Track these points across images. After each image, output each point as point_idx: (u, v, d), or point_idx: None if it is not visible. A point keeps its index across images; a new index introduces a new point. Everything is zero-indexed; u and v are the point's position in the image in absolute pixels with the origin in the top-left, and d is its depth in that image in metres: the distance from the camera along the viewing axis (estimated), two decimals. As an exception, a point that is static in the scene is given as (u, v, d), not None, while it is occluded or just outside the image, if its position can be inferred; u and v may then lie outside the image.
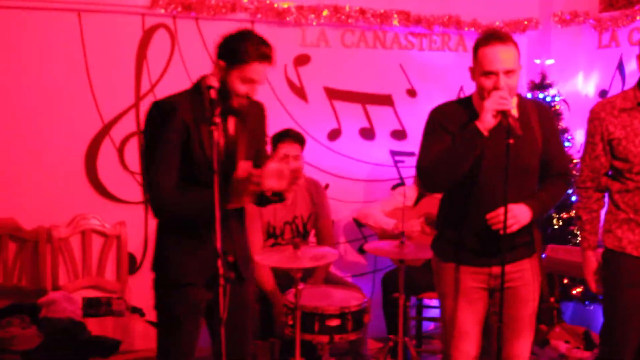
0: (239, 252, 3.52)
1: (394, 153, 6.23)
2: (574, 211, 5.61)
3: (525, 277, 3.71)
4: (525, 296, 3.73)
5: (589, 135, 3.93)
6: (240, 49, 3.30)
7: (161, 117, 3.36)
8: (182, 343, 3.50)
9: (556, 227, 5.61)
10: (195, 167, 3.35)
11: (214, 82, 3.25)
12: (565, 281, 5.57)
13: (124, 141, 5.37)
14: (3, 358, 3.89)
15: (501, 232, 3.42)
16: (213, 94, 3.20)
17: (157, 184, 3.33)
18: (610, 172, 3.92)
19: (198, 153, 3.33)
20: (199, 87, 3.38)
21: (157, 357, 3.56)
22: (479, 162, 3.54)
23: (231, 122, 3.46)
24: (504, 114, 3.38)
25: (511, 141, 3.33)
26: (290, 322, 4.39)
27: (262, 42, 3.35)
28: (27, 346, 3.98)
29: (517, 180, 3.49)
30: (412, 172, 5.99)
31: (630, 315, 3.85)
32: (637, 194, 3.80)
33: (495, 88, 3.45)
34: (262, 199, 3.49)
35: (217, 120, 3.11)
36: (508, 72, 3.46)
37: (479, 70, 3.53)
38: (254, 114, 3.60)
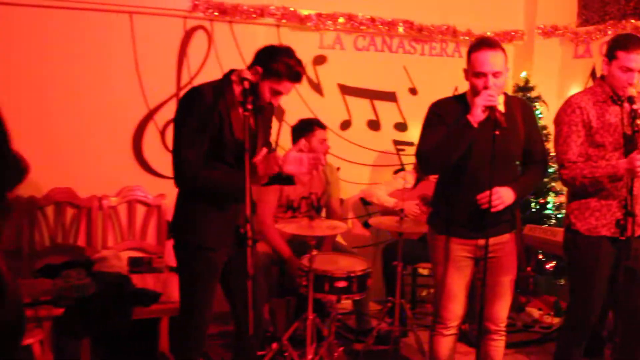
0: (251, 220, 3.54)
1: (396, 142, 6.26)
2: (549, 196, 5.70)
3: (506, 249, 3.75)
4: (506, 265, 3.77)
5: (572, 124, 3.81)
6: (279, 66, 3.31)
7: (190, 101, 3.38)
8: (203, 301, 3.50)
9: (534, 210, 5.66)
10: (224, 148, 3.35)
11: (249, 76, 3.26)
12: (540, 257, 5.60)
13: (166, 125, 5.40)
14: (62, 303, 3.95)
15: (488, 210, 3.48)
16: (247, 84, 3.21)
17: (181, 158, 3.31)
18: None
19: (227, 135, 3.34)
20: (228, 78, 3.39)
21: (181, 314, 3.60)
22: (469, 150, 3.57)
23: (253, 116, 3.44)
24: (491, 109, 3.42)
25: (497, 132, 3.37)
26: (304, 283, 4.41)
27: (299, 64, 3.36)
28: (83, 294, 4.03)
29: (502, 166, 3.50)
30: (412, 159, 6.02)
31: (595, 288, 3.86)
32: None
33: (485, 87, 3.48)
34: (274, 180, 3.50)
35: (250, 107, 3.16)
36: (496, 74, 3.49)
37: (471, 72, 3.57)
38: (267, 111, 3.64)
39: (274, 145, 3.66)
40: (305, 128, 5.08)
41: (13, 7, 4.87)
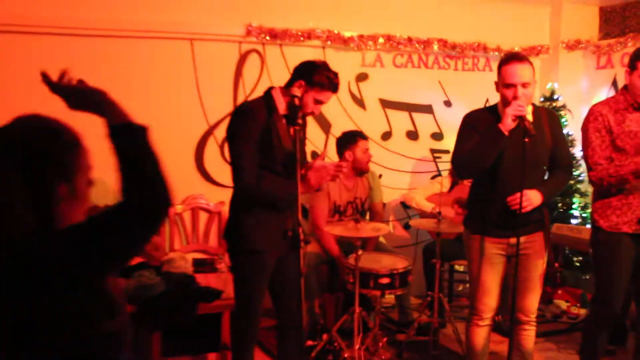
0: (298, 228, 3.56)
1: (433, 151, 6.24)
2: (575, 197, 5.62)
3: (535, 247, 3.74)
4: (535, 261, 3.75)
5: (596, 130, 3.76)
6: (321, 78, 3.36)
7: (243, 116, 3.40)
8: (254, 299, 3.51)
9: (561, 210, 5.60)
10: (273, 158, 3.37)
11: (298, 93, 3.31)
12: (567, 253, 5.55)
13: (224, 140, 5.36)
14: (135, 301, 4.00)
15: (518, 211, 3.47)
16: (297, 101, 3.28)
17: (241, 168, 3.34)
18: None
19: (277, 146, 3.37)
20: (270, 95, 3.43)
21: (236, 309, 3.62)
22: (501, 156, 3.57)
23: (292, 128, 3.44)
24: (521, 118, 3.42)
25: (527, 140, 3.38)
26: (351, 280, 4.43)
27: (336, 76, 3.42)
28: (153, 293, 4.09)
29: (531, 170, 3.50)
30: (447, 166, 6.03)
31: (618, 281, 3.84)
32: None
33: (515, 97, 3.48)
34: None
35: (300, 121, 3.21)
36: (524, 85, 3.49)
37: (501, 83, 3.56)
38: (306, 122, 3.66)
39: (323, 155, 3.67)
40: (349, 140, 5.11)
41: (93, 38, 5.00)
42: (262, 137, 3.36)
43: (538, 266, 3.78)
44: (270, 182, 3.39)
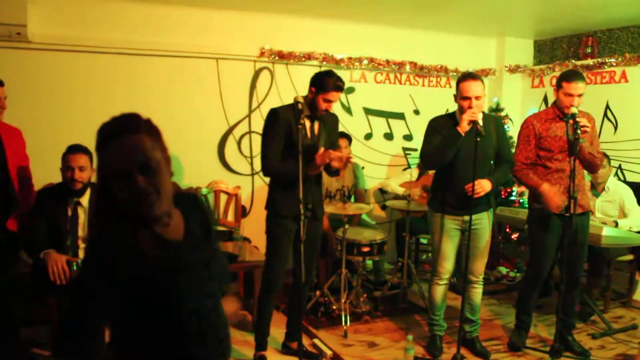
0: (316, 201, 3.59)
1: (404, 149, 6.20)
2: (514, 187, 5.61)
3: (483, 223, 3.74)
4: (483, 234, 3.76)
5: (525, 135, 3.87)
6: (326, 81, 3.38)
7: (269, 118, 3.49)
8: (280, 254, 3.57)
9: (503, 197, 5.58)
10: (294, 149, 3.37)
11: (300, 100, 3.36)
12: (508, 230, 5.53)
13: (241, 137, 5.44)
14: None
15: (472, 195, 3.49)
16: (300, 106, 3.32)
17: (266, 157, 3.44)
18: (537, 160, 3.86)
19: (296, 142, 3.37)
20: (299, 103, 3.45)
21: (265, 262, 3.63)
22: (458, 152, 3.57)
23: (316, 125, 3.54)
24: (474, 122, 3.42)
25: (478, 139, 3.39)
26: (339, 248, 4.45)
27: (339, 79, 3.45)
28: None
29: (481, 164, 3.52)
30: (416, 160, 6.00)
31: (546, 251, 3.87)
32: (554, 172, 3.79)
33: (469, 107, 3.49)
34: (329, 172, 3.63)
35: (302, 122, 3.23)
36: (477, 97, 3.50)
37: (459, 96, 3.56)
38: (331, 121, 3.67)
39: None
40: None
41: (138, 57, 4.96)
42: (287, 133, 3.43)
43: (485, 238, 3.78)
44: (286, 165, 3.43)
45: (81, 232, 3.52)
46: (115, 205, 1.47)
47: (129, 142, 1.45)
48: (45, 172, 3.91)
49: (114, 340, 1.56)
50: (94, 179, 3.62)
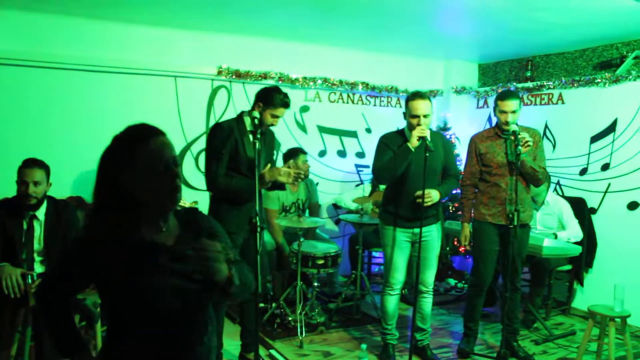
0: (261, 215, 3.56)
1: (357, 165, 6.27)
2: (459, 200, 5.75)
3: (432, 235, 3.82)
4: (433, 246, 3.84)
5: (469, 152, 4.08)
6: (274, 97, 3.40)
7: (213, 133, 3.45)
8: None
9: (451, 210, 5.71)
10: (238, 163, 3.39)
11: (257, 115, 3.34)
12: (455, 242, 5.65)
13: (199, 153, 5.40)
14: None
15: (421, 205, 3.56)
16: (257, 121, 3.30)
17: (209, 171, 3.41)
18: (479, 176, 4.03)
19: (242, 155, 3.41)
20: (241, 117, 3.46)
21: None
22: (409, 166, 3.65)
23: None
24: (424, 138, 3.51)
25: (427, 154, 3.48)
26: (295, 261, 4.47)
27: (286, 96, 3.47)
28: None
29: (429, 177, 3.60)
30: (369, 176, 6.07)
31: (487, 258, 3.99)
32: (493, 186, 3.94)
33: (418, 124, 3.58)
34: (273, 187, 3.60)
35: (258, 136, 3.23)
36: (425, 116, 3.60)
37: (409, 114, 3.65)
38: (269, 136, 3.67)
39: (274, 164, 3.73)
40: (292, 153, 5.14)
41: (97, 74, 4.88)
42: (230, 148, 3.39)
43: (435, 249, 3.86)
44: (234, 182, 3.41)
45: (37, 245, 3.43)
46: (124, 204, 1.55)
47: (162, 140, 1.63)
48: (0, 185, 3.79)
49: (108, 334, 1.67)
50: (50, 193, 3.55)
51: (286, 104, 3.45)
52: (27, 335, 3.38)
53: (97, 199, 1.58)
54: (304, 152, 5.20)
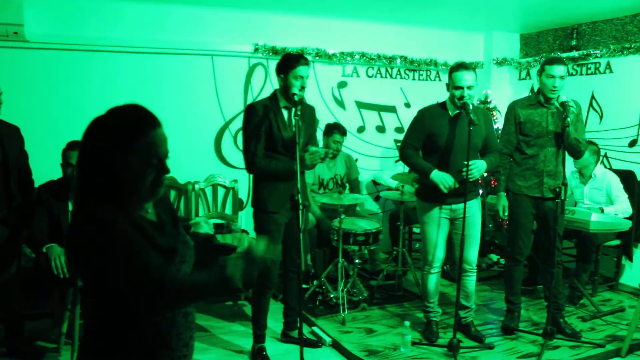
0: (303, 193, 3.50)
1: (396, 141, 6.16)
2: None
3: (472, 211, 3.70)
4: (473, 222, 3.74)
5: (507, 119, 3.95)
6: (289, 60, 3.32)
7: (248, 114, 3.39)
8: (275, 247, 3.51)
9: (493, 186, 5.56)
10: (275, 143, 3.34)
11: (297, 91, 3.28)
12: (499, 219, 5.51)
13: (237, 132, 5.36)
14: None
15: (467, 178, 3.46)
16: (295, 97, 3.25)
17: (247, 152, 3.36)
18: (516, 145, 3.92)
19: (276, 134, 3.35)
20: (274, 95, 3.40)
21: None
22: (451, 139, 3.56)
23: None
24: (465, 110, 3.41)
25: (471, 128, 3.37)
26: (336, 238, 4.43)
27: (300, 55, 3.41)
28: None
29: (470, 152, 3.48)
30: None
31: (523, 230, 3.90)
32: (530, 158, 3.84)
33: (462, 96, 3.49)
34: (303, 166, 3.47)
35: (299, 112, 3.18)
36: (469, 87, 3.49)
37: (452, 85, 3.55)
38: (309, 111, 3.57)
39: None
40: (328, 130, 5.10)
41: (137, 55, 4.92)
42: (265, 128, 3.34)
43: (475, 226, 3.76)
44: (275, 162, 3.37)
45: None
46: (113, 188, 1.49)
47: (162, 133, 1.55)
48: (43, 167, 3.84)
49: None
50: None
51: (305, 61, 3.34)
52: (76, 314, 3.45)
53: (85, 180, 1.50)
54: (340, 131, 5.10)
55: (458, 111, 3.59)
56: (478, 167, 3.51)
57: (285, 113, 3.42)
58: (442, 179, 3.53)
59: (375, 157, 6.08)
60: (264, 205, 3.43)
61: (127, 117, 1.54)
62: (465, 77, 3.49)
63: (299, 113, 3.14)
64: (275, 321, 3.98)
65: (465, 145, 3.41)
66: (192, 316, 1.69)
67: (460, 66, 3.54)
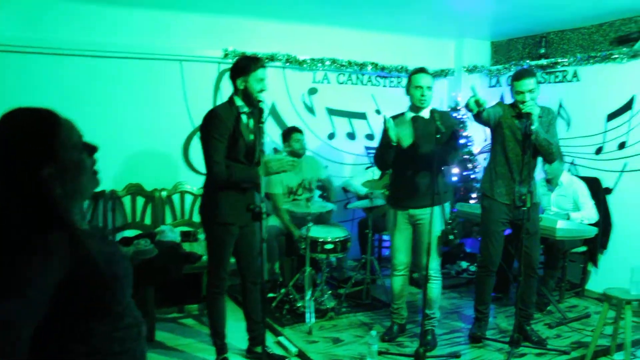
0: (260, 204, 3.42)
1: (367, 148, 6.17)
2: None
3: (428, 218, 3.56)
4: (427, 229, 3.60)
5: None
6: (248, 63, 3.25)
7: (210, 119, 3.26)
8: (227, 259, 3.40)
9: (462, 193, 5.59)
10: (237, 151, 3.24)
11: (259, 96, 3.25)
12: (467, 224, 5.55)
13: None
14: (135, 263, 3.84)
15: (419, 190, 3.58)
16: (260, 102, 3.22)
17: (216, 164, 3.22)
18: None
19: (240, 141, 3.25)
20: (232, 100, 3.30)
21: (211, 268, 3.46)
22: (412, 148, 3.57)
23: (253, 122, 3.36)
24: (438, 125, 3.43)
25: (438, 136, 3.40)
26: (303, 247, 4.39)
27: (258, 57, 3.39)
28: (150, 255, 3.96)
29: (421, 164, 3.59)
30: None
31: (495, 238, 3.87)
32: (504, 164, 3.84)
33: (422, 95, 3.64)
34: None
35: (263, 120, 3.13)
36: (429, 88, 3.65)
37: (411, 86, 3.69)
38: (259, 116, 3.40)
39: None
40: (287, 133, 4.99)
41: (104, 59, 4.82)
42: (230, 135, 3.24)
43: (434, 233, 3.61)
44: (238, 172, 3.26)
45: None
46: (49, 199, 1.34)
47: (72, 125, 1.48)
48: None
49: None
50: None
51: (262, 61, 3.28)
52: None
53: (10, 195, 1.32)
54: (299, 131, 5.00)
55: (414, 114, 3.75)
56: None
57: (244, 118, 3.32)
58: (391, 124, 3.52)
59: (346, 164, 6.07)
60: (221, 217, 3.30)
61: (33, 120, 1.49)
62: (424, 78, 3.67)
63: (263, 120, 3.08)
64: (240, 340, 3.83)
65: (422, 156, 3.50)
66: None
67: (419, 70, 3.73)
